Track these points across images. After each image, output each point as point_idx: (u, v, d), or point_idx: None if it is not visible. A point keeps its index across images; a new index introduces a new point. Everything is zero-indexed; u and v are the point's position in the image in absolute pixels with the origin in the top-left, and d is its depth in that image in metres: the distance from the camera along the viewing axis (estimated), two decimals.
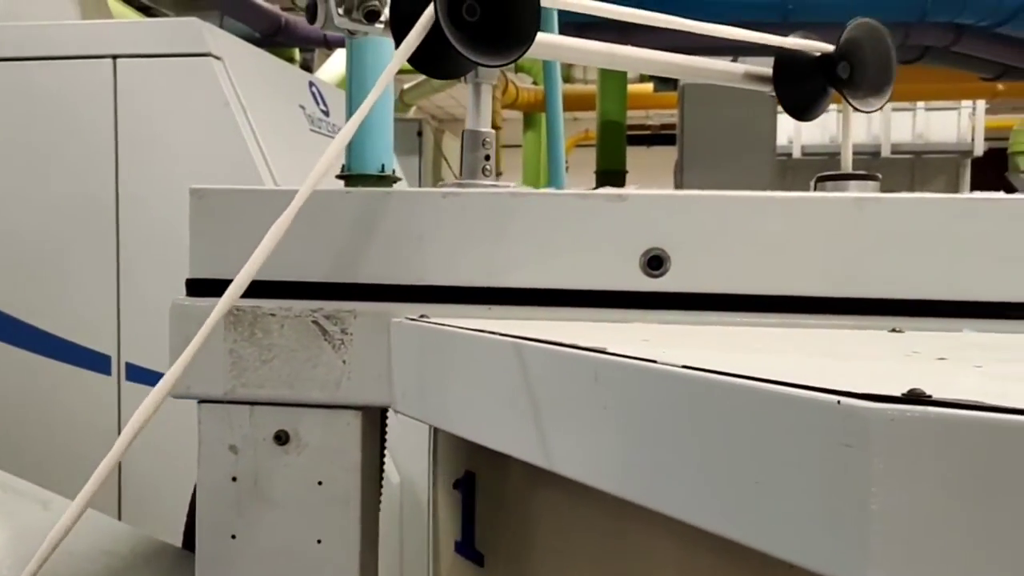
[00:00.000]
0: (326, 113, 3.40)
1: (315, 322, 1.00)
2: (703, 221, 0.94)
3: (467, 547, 0.96)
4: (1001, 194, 0.92)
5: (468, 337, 0.84)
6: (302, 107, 3.23)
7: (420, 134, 7.96)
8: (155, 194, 2.52)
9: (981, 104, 9.53)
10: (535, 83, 9.71)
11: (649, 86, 8.81)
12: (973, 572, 0.45)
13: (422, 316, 0.96)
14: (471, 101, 1.06)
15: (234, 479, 1.03)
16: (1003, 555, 0.45)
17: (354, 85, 1.85)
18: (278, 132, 2.74)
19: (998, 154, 9.76)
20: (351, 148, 1.85)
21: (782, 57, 1.23)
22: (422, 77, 9.18)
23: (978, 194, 0.92)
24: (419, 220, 1.00)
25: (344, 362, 1.00)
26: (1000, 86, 8.92)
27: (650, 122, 9.75)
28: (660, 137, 9.09)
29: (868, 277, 0.91)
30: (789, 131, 9.07)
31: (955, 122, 9.77)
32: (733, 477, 0.56)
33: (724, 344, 0.78)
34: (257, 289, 1.01)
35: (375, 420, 1.07)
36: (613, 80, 7.69)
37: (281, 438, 1.02)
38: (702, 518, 0.58)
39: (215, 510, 1.03)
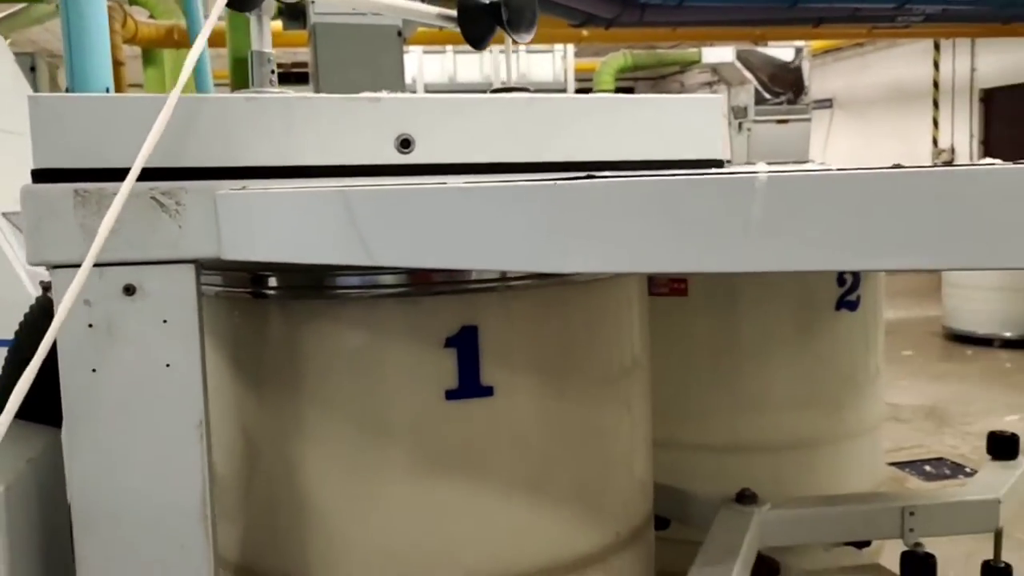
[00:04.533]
0: None
1: (153, 198, 1.31)
2: (438, 114, 1.40)
3: (472, 387, 1.39)
4: (614, 95, 1.48)
5: (296, 193, 1.22)
6: None
7: (34, 69, 7.44)
8: None
9: (571, 48, 10.94)
10: (152, 17, 9.32)
11: (278, 24, 8.89)
12: None
13: (243, 187, 1.32)
14: (254, 28, 1.40)
15: (90, 325, 1.31)
16: None
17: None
18: None
19: (587, 93, 11.24)
20: (73, 71, 2.02)
21: (463, 4, 1.71)
22: (16, 7, 8.43)
23: (601, 95, 1.48)
24: (229, 119, 1.34)
25: (180, 227, 1.32)
26: (584, 32, 10.29)
27: (282, 60, 9.87)
28: (292, 75, 9.29)
29: (546, 148, 1.43)
30: (413, 71, 9.75)
31: (551, 63, 11.09)
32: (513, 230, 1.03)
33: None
34: (101, 175, 1.30)
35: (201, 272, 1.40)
36: (241, 16, 7.67)
37: (129, 290, 1.32)
38: (506, 262, 1.05)
39: (76, 351, 1.30)
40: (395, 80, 6.51)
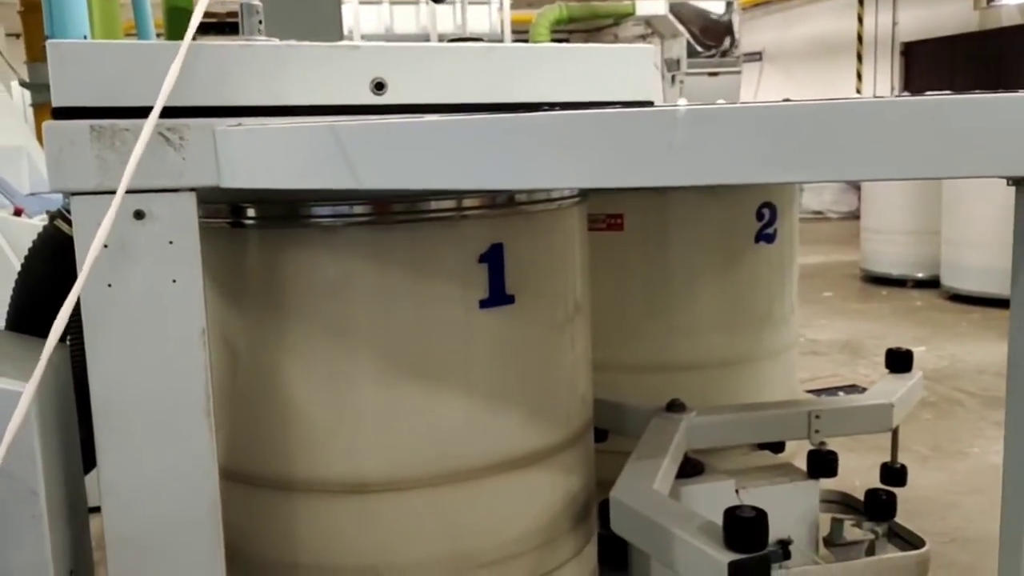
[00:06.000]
0: None
1: (160, 134, 1.49)
2: (408, 60, 1.60)
3: (498, 297, 1.67)
4: (559, 44, 1.70)
5: (289, 128, 1.42)
6: None
7: None
8: None
9: (507, 0, 11.03)
10: None
11: None
12: None
13: (239, 124, 1.50)
14: None
15: (106, 246, 1.49)
16: None
17: None
18: None
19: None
20: (52, 18, 2.16)
21: None
22: None
23: (548, 44, 1.70)
24: (226, 63, 1.53)
25: (184, 159, 1.50)
26: None
27: (217, 9, 9.80)
28: (231, 25, 9.24)
29: (502, 90, 1.65)
30: (349, 22, 9.77)
31: (487, 15, 11.17)
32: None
33: None
34: (114, 112, 1.47)
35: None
36: None
37: (139, 215, 1.50)
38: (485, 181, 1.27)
39: (94, 267, 1.49)
40: (332, 31, 6.59)
